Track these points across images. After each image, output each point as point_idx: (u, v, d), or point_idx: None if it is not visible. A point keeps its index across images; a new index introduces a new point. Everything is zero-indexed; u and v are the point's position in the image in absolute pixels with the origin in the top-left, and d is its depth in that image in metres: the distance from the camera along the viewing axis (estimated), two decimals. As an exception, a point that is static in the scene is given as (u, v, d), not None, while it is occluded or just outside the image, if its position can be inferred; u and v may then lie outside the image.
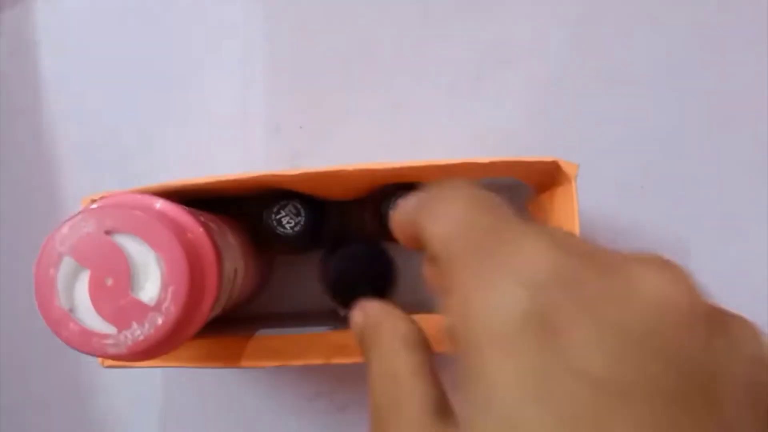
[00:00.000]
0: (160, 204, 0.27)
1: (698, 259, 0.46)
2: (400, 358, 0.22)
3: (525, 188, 0.39)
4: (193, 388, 0.47)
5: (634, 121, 0.46)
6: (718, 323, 0.17)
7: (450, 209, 0.20)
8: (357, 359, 0.32)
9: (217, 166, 0.46)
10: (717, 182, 0.46)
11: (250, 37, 0.47)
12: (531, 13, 0.46)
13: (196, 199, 0.35)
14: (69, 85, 0.47)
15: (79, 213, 0.25)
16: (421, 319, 0.37)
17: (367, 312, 0.25)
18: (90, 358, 0.31)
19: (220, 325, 0.37)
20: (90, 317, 0.24)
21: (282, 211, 0.37)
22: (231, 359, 0.32)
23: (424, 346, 0.23)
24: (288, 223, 0.37)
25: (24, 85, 0.47)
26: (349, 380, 0.46)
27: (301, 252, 0.43)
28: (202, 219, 0.28)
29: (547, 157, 0.33)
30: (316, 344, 0.34)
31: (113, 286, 0.24)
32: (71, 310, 0.25)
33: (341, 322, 0.38)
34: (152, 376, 0.47)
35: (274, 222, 0.37)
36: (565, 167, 0.33)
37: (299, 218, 0.37)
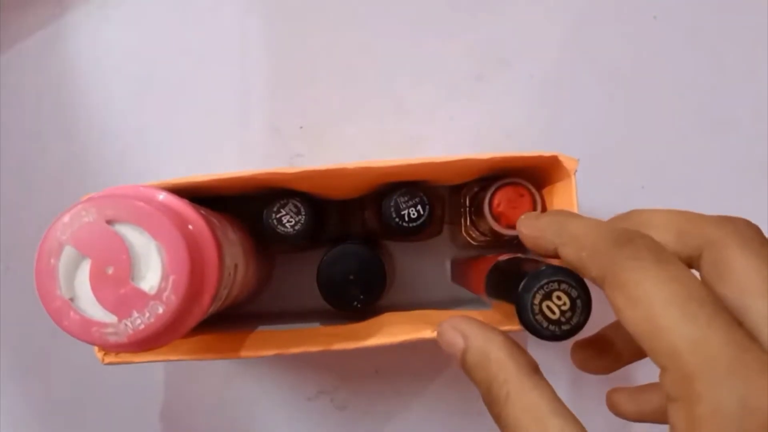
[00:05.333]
0: (162, 196, 0.27)
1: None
2: (534, 396, 0.22)
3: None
4: (193, 386, 0.47)
5: (634, 121, 0.46)
6: None
7: (663, 305, 0.19)
8: (357, 345, 0.32)
9: (216, 167, 0.46)
10: (717, 182, 0.46)
11: (249, 37, 0.47)
12: (531, 13, 0.46)
13: (196, 197, 0.35)
14: (69, 85, 0.47)
15: (81, 203, 0.25)
16: (427, 314, 0.38)
17: (467, 336, 0.25)
18: (90, 357, 0.31)
19: (220, 323, 0.37)
20: (91, 306, 0.24)
21: (282, 210, 0.37)
22: (229, 351, 0.32)
23: (538, 369, 0.24)
24: (288, 222, 0.37)
25: (24, 86, 0.47)
26: (350, 379, 0.46)
27: (301, 251, 0.43)
28: (203, 212, 0.29)
29: (547, 152, 0.33)
30: (316, 336, 0.34)
31: (114, 275, 0.24)
32: (72, 300, 0.24)
33: (342, 320, 0.38)
34: (152, 375, 0.46)
35: (275, 221, 0.37)
36: (565, 162, 0.33)
37: (299, 217, 0.37)
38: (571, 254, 0.24)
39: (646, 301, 0.19)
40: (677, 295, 0.19)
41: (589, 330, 0.28)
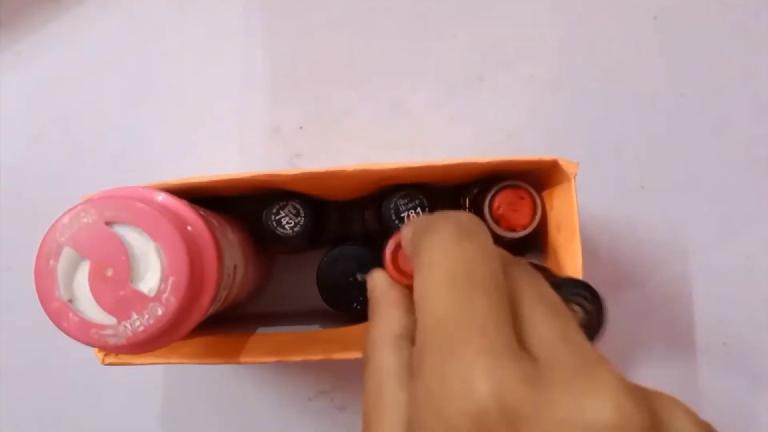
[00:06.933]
0: (161, 197, 0.27)
1: (698, 259, 0.46)
2: (386, 358, 0.22)
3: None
4: (193, 387, 0.47)
5: (634, 121, 0.46)
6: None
7: (438, 279, 0.19)
8: (357, 355, 0.32)
9: (216, 167, 0.46)
10: (717, 182, 0.46)
11: (249, 37, 0.47)
12: (532, 13, 0.46)
13: (196, 198, 0.35)
14: (68, 85, 0.47)
15: (80, 204, 0.25)
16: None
17: (373, 284, 0.27)
18: (90, 358, 0.31)
19: (220, 324, 0.36)
20: (90, 308, 0.24)
21: (282, 212, 0.37)
22: (231, 355, 0.32)
23: (410, 340, 0.23)
24: (288, 223, 0.37)
25: (23, 86, 0.47)
26: (350, 379, 0.46)
27: (301, 252, 0.43)
28: (202, 213, 0.29)
29: (547, 156, 0.33)
30: (317, 340, 0.34)
31: (113, 276, 0.24)
32: (71, 301, 0.25)
33: (342, 321, 0.38)
34: (152, 375, 0.46)
35: (274, 222, 0.37)
36: (565, 166, 0.33)
37: (299, 219, 0.37)
38: (406, 238, 0.24)
39: (428, 269, 0.20)
40: (455, 271, 0.19)
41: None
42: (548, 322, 0.19)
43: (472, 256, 0.19)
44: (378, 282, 0.27)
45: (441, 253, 0.20)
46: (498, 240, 0.37)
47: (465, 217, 0.22)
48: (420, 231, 0.22)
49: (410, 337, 0.23)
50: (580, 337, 0.19)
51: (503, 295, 0.19)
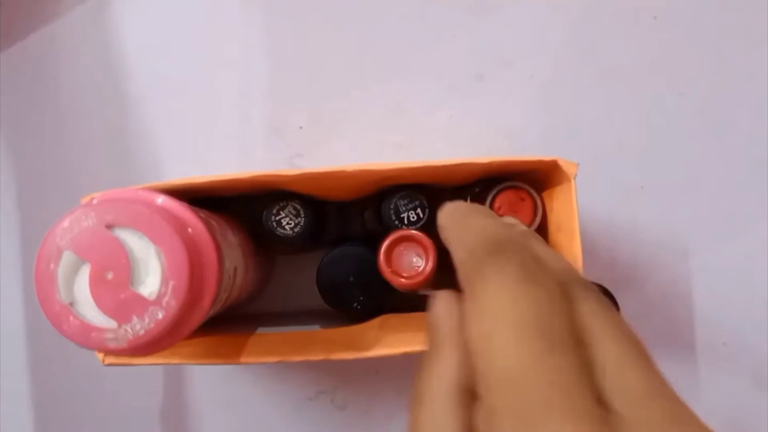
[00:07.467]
0: (161, 200, 0.27)
1: (698, 259, 0.46)
2: (444, 416, 0.19)
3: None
4: (193, 387, 0.47)
5: (634, 121, 0.46)
6: None
7: (497, 324, 0.17)
8: (357, 355, 0.32)
9: (217, 167, 0.46)
10: (717, 182, 0.46)
11: (250, 38, 0.47)
12: (531, 13, 0.46)
13: (196, 198, 0.34)
14: (68, 86, 0.47)
15: (80, 207, 0.25)
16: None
17: (439, 314, 0.22)
18: (90, 357, 0.31)
19: (220, 324, 0.36)
20: (90, 311, 0.24)
21: (282, 212, 0.37)
22: (231, 356, 0.32)
23: (472, 393, 0.20)
24: (288, 224, 0.37)
25: (23, 87, 0.47)
26: (351, 379, 0.46)
27: (301, 252, 0.43)
28: (202, 216, 0.28)
29: (547, 157, 0.33)
30: (317, 340, 0.34)
31: (113, 280, 0.24)
32: (71, 304, 0.24)
33: (342, 321, 0.38)
34: (153, 375, 0.46)
35: (274, 223, 0.37)
36: (565, 166, 0.33)
37: (299, 219, 0.37)
38: (456, 255, 0.21)
39: (488, 315, 0.17)
40: (523, 320, 0.17)
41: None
42: (628, 369, 0.17)
43: (540, 302, 0.17)
44: (444, 313, 0.22)
45: (504, 297, 0.18)
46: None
47: (526, 250, 0.20)
48: (476, 261, 0.19)
49: (471, 389, 0.20)
50: (664, 385, 0.17)
51: (578, 347, 0.17)
